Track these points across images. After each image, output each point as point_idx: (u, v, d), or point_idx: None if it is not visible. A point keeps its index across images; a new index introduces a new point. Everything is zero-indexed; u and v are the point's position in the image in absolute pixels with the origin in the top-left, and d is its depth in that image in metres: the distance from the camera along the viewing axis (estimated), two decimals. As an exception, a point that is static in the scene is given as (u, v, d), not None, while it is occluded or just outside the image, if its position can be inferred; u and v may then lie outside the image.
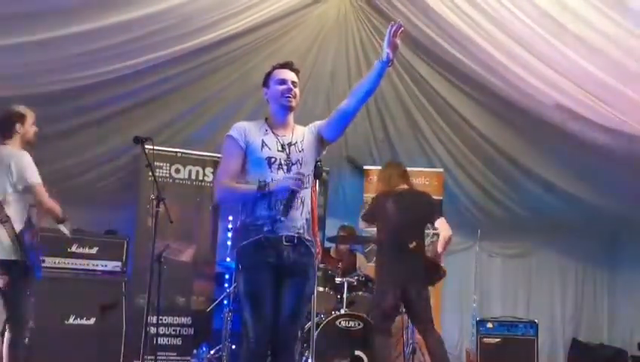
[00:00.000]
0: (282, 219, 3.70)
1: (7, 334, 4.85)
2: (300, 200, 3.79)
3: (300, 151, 3.87)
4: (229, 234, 7.66)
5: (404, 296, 5.80)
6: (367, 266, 7.72)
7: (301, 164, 3.84)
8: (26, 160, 4.96)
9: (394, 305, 5.85)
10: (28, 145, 5.16)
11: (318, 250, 4.67)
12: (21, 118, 5.11)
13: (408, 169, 8.26)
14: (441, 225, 5.86)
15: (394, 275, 5.78)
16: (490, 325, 7.24)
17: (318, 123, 4.03)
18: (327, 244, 7.72)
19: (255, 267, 3.72)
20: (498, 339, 7.08)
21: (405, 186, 6.12)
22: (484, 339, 7.19)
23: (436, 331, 5.89)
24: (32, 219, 5.00)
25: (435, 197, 8.09)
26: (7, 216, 4.84)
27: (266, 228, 3.72)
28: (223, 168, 3.86)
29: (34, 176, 4.92)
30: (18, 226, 4.86)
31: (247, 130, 3.86)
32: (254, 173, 3.78)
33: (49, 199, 4.97)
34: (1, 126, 5.11)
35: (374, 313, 5.96)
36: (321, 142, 4.00)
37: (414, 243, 5.85)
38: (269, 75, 3.99)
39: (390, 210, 5.87)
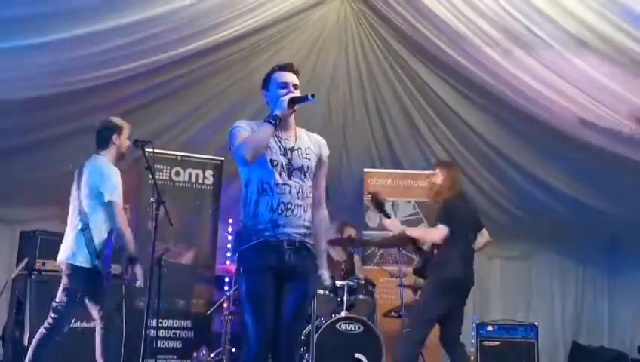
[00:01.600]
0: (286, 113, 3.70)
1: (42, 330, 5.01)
2: (302, 208, 3.76)
3: (303, 158, 3.80)
4: (229, 238, 7.66)
5: (462, 301, 5.75)
6: (362, 269, 7.72)
7: (305, 173, 3.79)
8: (115, 178, 5.05)
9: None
10: (122, 157, 5.27)
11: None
12: (118, 129, 5.21)
13: (408, 171, 8.35)
14: (484, 229, 5.93)
15: (463, 279, 5.67)
16: (490, 328, 7.23)
17: (324, 154, 3.96)
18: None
19: (256, 270, 3.68)
20: (498, 342, 7.07)
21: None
22: (484, 343, 7.18)
23: None
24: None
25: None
26: (87, 224, 4.95)
27: (267, 233, 3.68)
28: (241, 138, 3.69)
29: (114, 195, 4.99)
30: (97, 237, 4.95)
31: (253, 126, 3.79)
32: (257, 174, 3.73)
33: (124, 221, 5.00)
34: (98, 136, 5.21)
35: (426, 321, 5.63)
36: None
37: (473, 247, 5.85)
38: (268, 77, 3.90)
39: (462, 214, 5.73)
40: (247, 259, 3.73)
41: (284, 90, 3.80)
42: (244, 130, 3.74)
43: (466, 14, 5.97)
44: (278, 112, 3.67)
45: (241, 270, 3.77)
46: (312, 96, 3.73)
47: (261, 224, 3.69)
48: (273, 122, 3.66)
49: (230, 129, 3.79)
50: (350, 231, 7.68)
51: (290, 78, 3.86)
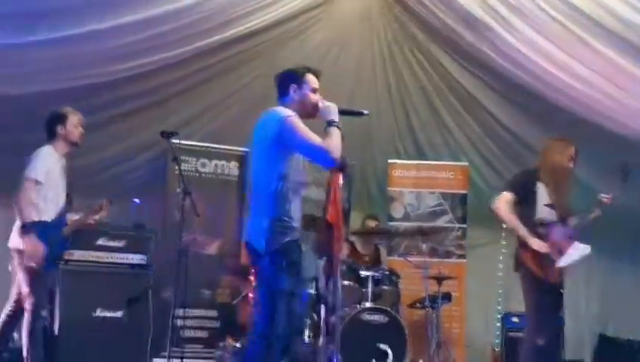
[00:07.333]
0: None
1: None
2: None
3: None
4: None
5: None
6: (387, 260, 7.72)
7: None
8: (36, 154, 5.06)
9: None
10: (73, 146, 5.26)
11: (342, 244, 4.72)
12: (62, 119, 5.19)
13: (433, 162, 8.33)
14: None
15: None
16: (515, 319, 7.22)
17: None
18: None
19: (297, 265, 3.81)
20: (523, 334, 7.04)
21: None
22: (510, 334, 7.17)
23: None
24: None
25: (459, 191, 8.13)
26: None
27: (297, 233, 3.83)
28: (313, 136, 3.80)
29: (30, 171, 4.98)
30: (27, 218, 4.94)
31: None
32: (293, 172, 3.86)
33: (24, 198, 4.94)
34: (46, 128, 5.22)
35: None
36: None
37: None
38: (302, 75, 4.03)
39: None
40: (291, 252, 3.80)
41: (317, 96, 4.02)
42: (303, 126, 3.83)
43: (491, 4, 5.95)
44: (336, 119, 3.88)
45: (285, 263, 3.79)
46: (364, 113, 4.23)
47: (294, 222, 3.82)
48: (340, 128, 3.86)
49: (282, 117, 3.84)
50: (372, 225, 7.70)
51: (318, 85, 4.05)
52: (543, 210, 5.26)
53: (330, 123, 3.85)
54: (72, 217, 5.42)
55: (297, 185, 3.85)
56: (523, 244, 5.22)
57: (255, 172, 3.95)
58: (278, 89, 4.12)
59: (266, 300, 3.79)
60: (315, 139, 3.76)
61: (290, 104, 4.00)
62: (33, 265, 4.89)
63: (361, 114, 4.19)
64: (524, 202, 5.27)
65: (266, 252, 3.76)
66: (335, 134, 3.82)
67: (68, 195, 5.29)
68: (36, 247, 4.90)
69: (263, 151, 3.87)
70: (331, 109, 3.92)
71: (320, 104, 3.98)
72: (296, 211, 3.81)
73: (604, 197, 5.33)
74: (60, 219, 5.19)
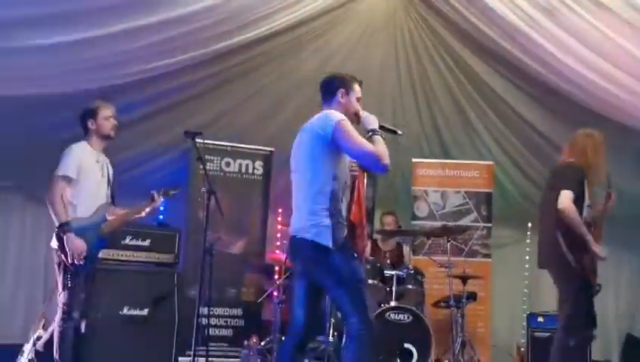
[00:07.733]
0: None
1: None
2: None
3: None
4: (279, 227, 7.73)
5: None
6: (411, 258, 7.70)
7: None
8: (68, 150, 5.04)
9: None
10: (106, 139, 5.21)
11: (366, 243, 4.76)
12: (92, 113, 5.15)
13: (458, 161, 8.29)
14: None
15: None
16: (541, 319, 7.18)
17: None
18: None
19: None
20: (549, 334, 6.99)
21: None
22: (535, 333, 7.13)
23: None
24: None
25: (484, 190, 8.07)
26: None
27: (345, 230, 4.00)
28: (364, 142, 3.95)
29: (61, 168, 4.95)
30: (62, 217, 4.90)
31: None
32: (342, 174, 4.04)
33: (57, 197, 4.90)
34: (80, 125, 5.20)
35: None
36: None
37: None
38: (350, 83, 4.20)
39: None
40: (349, 245, 4.04)
41: (359, 105, 4.21)
42: (355, 130, 3.96)
43: (517, 2, 5.91)
44: (378, 129, 4.10)
45: (355, 253, 4.09)
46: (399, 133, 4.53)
47: (344, 221, 4.01)
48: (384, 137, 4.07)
49: (336, 120, 3.94)
50: (388, 221, 7.67)
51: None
52: (586, 210, 5.19)
53: (373, 132, 4.04)
54: (118, 211, 5.33)
55: (344, 186, 4.03)
56: (582, 246, 5.10)
57: (307, 172, 4.01)
58: (324, 92, 4.23)
59: (351, 293, 3.89)
60: (367, 144, 3.92)
61: (337, 107, 4.11)
62: (80, 263, 4.87)
63: (395, 132, 4.42)
64: (576, 202, 5.08)
65: (337, 247, 3.89)
66: (381, 142, 3.99)
67: (110, 189, 5.26)
68: (77, 245, 4.86)
69: (318, 153, 3.96)
70: (371, 120, 4.12)
71: (361, 113, 4.17)
72: (344, 211, 4.02)
73: (611, 192, 5.33)
74: (97, 217, 5.11)
